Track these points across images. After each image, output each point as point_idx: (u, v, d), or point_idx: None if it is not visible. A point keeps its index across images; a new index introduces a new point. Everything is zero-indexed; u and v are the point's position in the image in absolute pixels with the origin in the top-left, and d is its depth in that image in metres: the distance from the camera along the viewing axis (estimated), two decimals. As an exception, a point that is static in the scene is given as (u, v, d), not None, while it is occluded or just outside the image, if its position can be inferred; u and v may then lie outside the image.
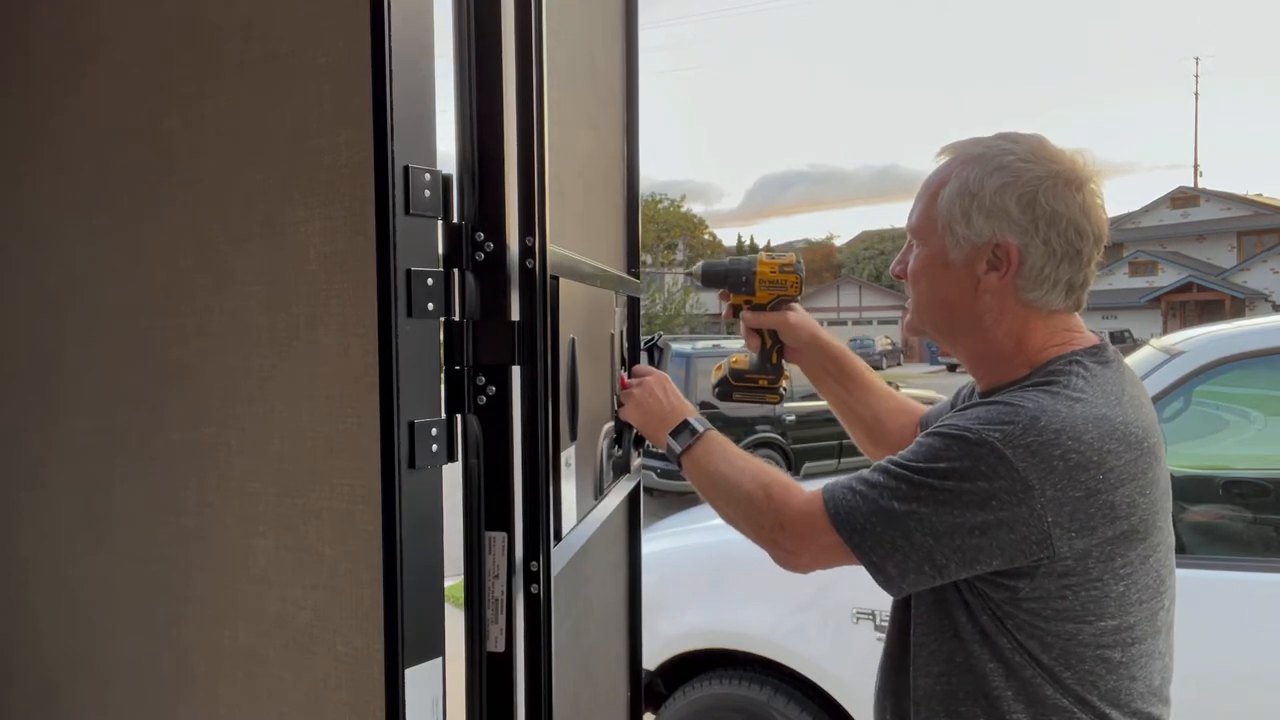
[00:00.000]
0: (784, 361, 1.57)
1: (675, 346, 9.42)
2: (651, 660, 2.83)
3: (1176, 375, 2.47)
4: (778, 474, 1.24)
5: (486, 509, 0.99)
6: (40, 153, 1.14)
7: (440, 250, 0.94)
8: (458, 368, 0.97)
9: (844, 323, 48.47)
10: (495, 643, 0.99)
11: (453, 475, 0.96)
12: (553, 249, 1.03)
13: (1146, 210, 38.66)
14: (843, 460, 9.83)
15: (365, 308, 0.85)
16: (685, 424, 1.35)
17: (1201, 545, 2.52)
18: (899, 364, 38.81)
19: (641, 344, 1.72)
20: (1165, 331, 22.73)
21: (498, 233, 0.97)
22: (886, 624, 1.27)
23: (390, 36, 0.82)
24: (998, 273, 1.13)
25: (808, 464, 9.85)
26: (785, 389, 1.57)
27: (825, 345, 1.55)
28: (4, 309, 1.19)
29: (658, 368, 1.58)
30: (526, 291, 0.98)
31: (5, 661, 1.22)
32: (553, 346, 1.05)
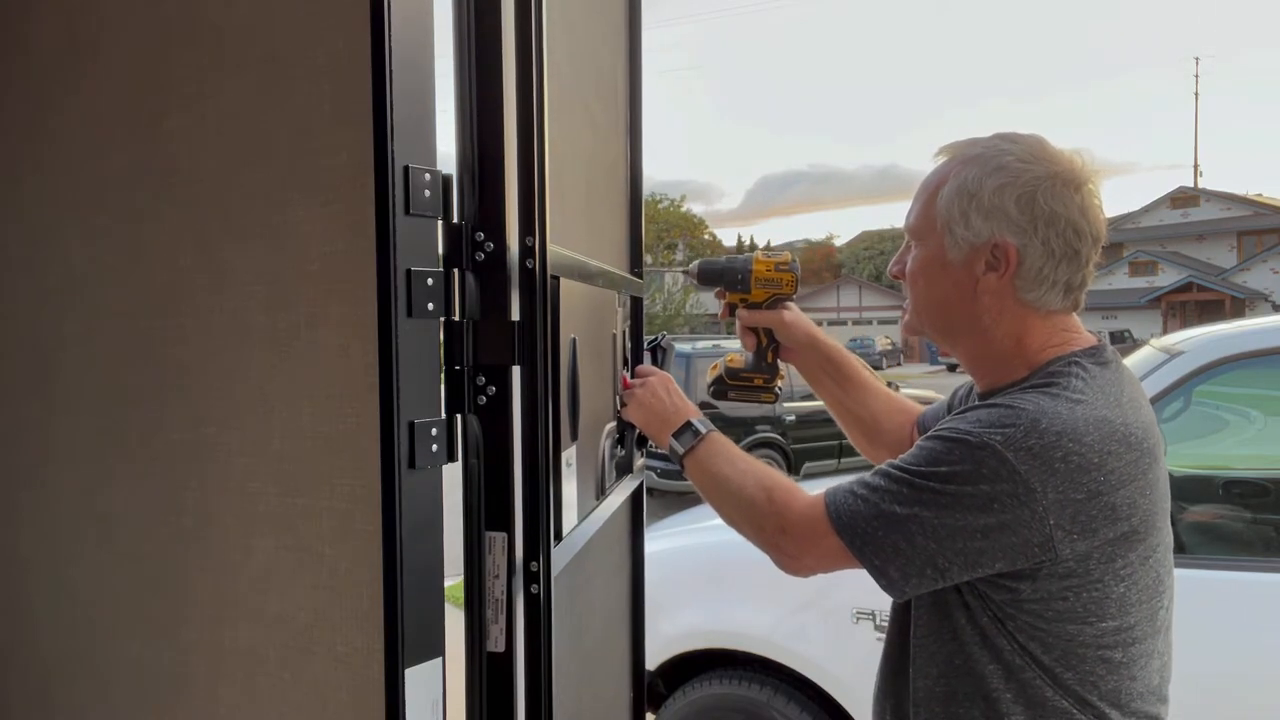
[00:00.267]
0: (780, 361, 1.56)
1: (676, 346, 9.42)
2: (651, 660, 2.83)
3: (1176, 375, 2.47)
4: (780, 477, 1.24)
5: (486, 509, 0.99)
6: (40, 153, 1.14)
7: (440, 250, 0.94)
8: (458, 368, 0.97)
9: (844, 323, 48.48)
10: (495, 643, 0.99)
11: (453, 475, 0.96)
12: (553, 249, 1.03)
13: (1146, 210, 38.66)
14: (843, 460, 9.83)
15: (365, 308, 0.85)
16: (688, 425, 1.35)
17: (1201, 545, 2.52)
18: (899, 364, 38.81)
19: (645, 344, 1.72)
20: (1165, 331, 22.74)
21: (498, 233, 0.97)
22: (886, 624, 1.27)
23: (390, 36, 0.82)
24: (996, 273, 1.13)
25: (808, 464, 9.85)
26: (781, 388, 1.57)
27: (821, 344, 1.55)
28: (4, 309, 1.19)
29: (661, 368, 1.58)
30: (526, 291, 0.98)
31: (5, 661, 1.22)
32: (553, 346, 1.05)
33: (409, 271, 0.85)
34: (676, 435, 1.35)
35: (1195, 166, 45.47)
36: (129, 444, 1.07)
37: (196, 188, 0.99)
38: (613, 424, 1.49)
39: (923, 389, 11.82)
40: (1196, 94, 48.37)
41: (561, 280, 1.11)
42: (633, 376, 1.51)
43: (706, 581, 2.92)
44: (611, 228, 1.62)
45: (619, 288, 1.57)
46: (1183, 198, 38.30)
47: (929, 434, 1.11)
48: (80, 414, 1.12)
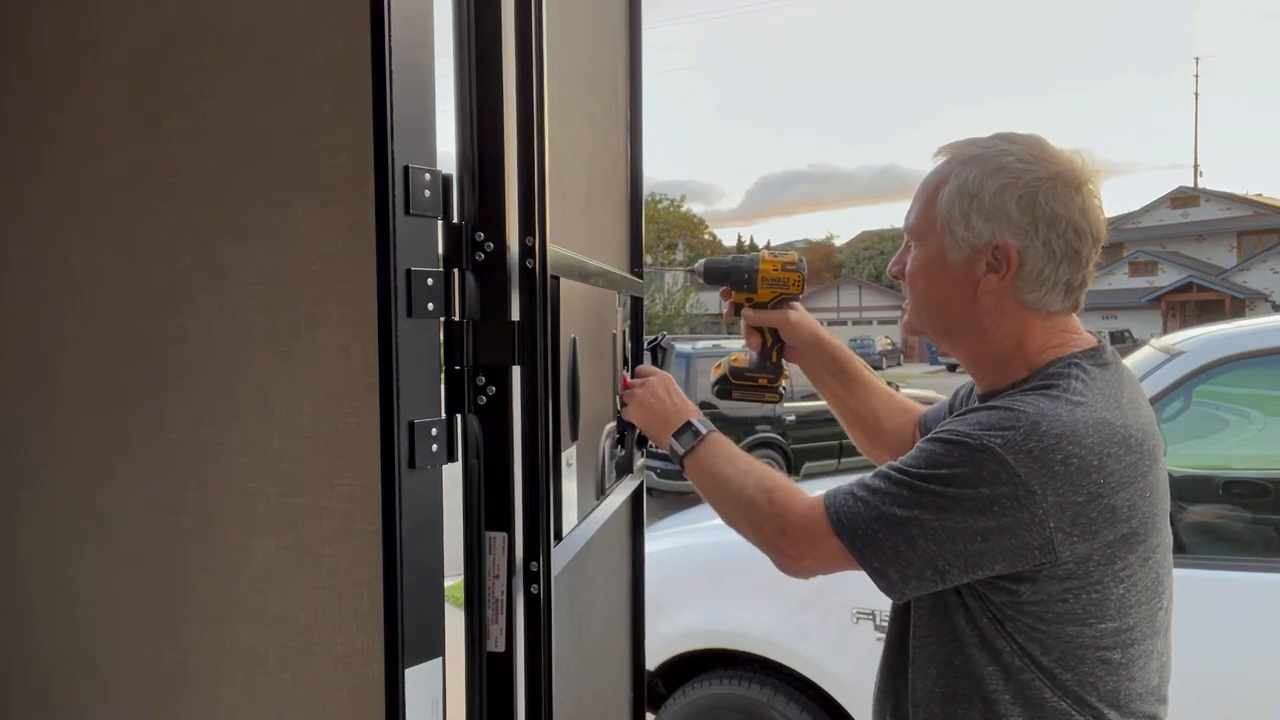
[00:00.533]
0: (784, 361, 1.56)
1: (676, 346, 9.42)
2: (651, 660, 2.83)
3: (1176, 375, 2.47)
4: (780, 479, 1.24)
5: (486, 509, 0.99)
6: (40, 153, 1.14)
7: (440, 250, 0.94)
8: (458, 368, 0.97)
9: (844, 323, 48.48)
10: (495, 643, 0.99)
11: (453, 475, 0.96)
12: (553, 249, 1.03)
13: (1146, 210, 38.66)
14: (843, 460, 9.83)
15: (365, 308, 0.85)
16: (688, 425, 1.35)
17: (1201, 545, 2.52)
18: (899, 364, 38.82)
19: (645, 344, 1.72)
20: (1165, 331, 22.73)
21: (498, 233, 0.97)
22: (886, 624, 1.27)
23: (390, 36, 0.82)
24: (997, 274, 1.13)
25: (808, 464, 9.85)
26: (785, 388, 1.57)
27: (825, 344, 1.55)
28: (4, 309, 1.19)
29: (661, 368, 1.58)
30: (526, 291, 0.98)
31: (5, 661, 1.22)
32: (553, 346, 1.05)
33: (409, 271, 0.85)
34: (677, 435, 1.35)
35: (1195, 166, 45.52)
36: (129, 444, 1.07)
37: (196, 188, 0.99)
38: (613, 424, 1.49)
39: (923, 389, 11.82)
40: (1196, 94, 48.43)
41: (561, 280, 1.11)
42: (633, 376, 1.51)
43: (706, 581, 2.92)
44: (612, 228, 1.62)
45: (619, 287, 1.57)
46: (1183, 198, 38.31)
47: (929, 436, 1.10)
48: (80, 414, 1.12)
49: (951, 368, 30.54)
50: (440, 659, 0.88)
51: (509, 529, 0.99)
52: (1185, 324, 27.94)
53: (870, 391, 1.57)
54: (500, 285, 0.98)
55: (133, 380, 1.06)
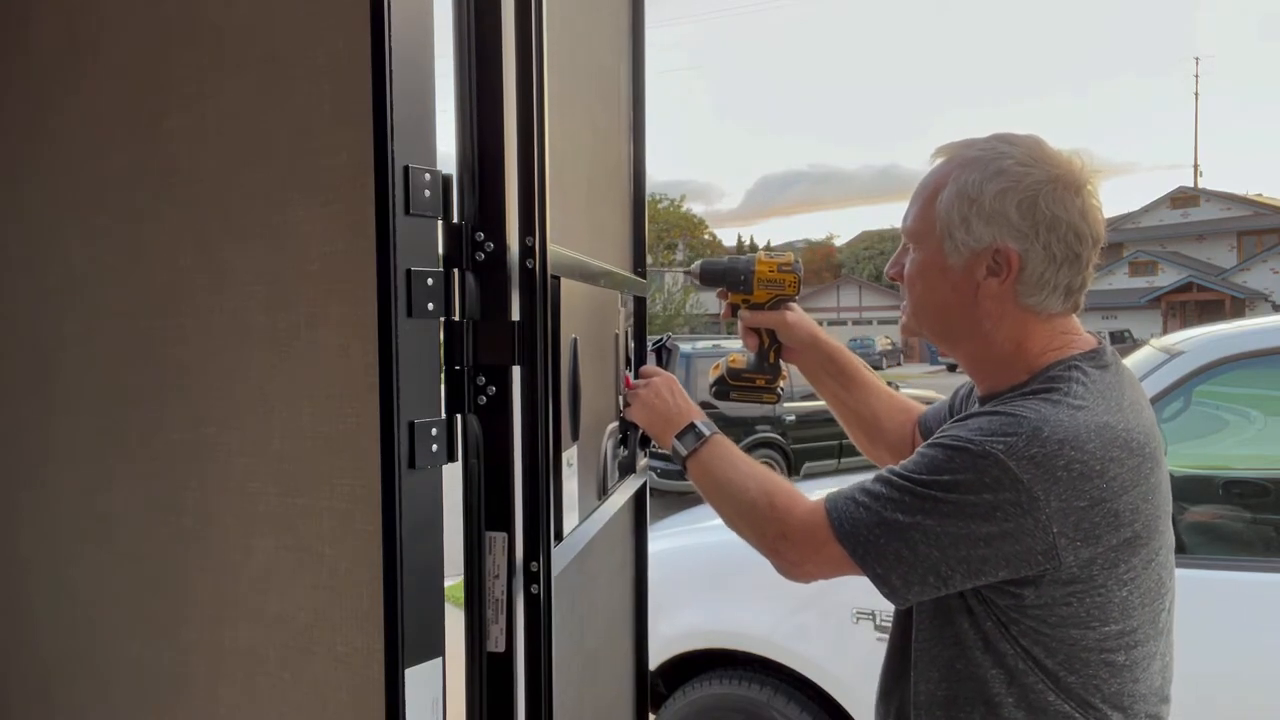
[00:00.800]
0: (782, 361, 1.56)
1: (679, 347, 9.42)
2: (651, 660, 2.82)
3: (1176, 375, 2.47)
4: (783, 483, 1.23)
5: (486, 509, 0.99)
6: (40, 153, 1.14)
7: (440, 250, 0.94)
8: (458, 368, 0.97)
9: (844, 323, 48.49)
10: (495, 643, 0.99)
11: (453, 475, 0.96)
12: (554, 249, 1.03)
13: (1146, 210, 38.66)
14: (843, 460, 9.83)
15: (365, 308, 0.85)
16: (691, 426, 1.34)
17: (1201, 545, 2.52)
18: (899, 364, 38.81)
19: (650, 345, 1.72)
20: (1165, 331, 22.73)
21: (498, 233, 0.97)
22: (886, 624, 1.27)
23: (390, 36, 0.82)
24: (997, 278, 1.13)
25: (808, 464, 9.85)
26: (783, 389, 1.57)
27: (823, 345, 1.55)
28: (4, 309, 1.19)
29: (665, 368, 1.58)
30: (526, 291, 0.98)
31: (5, 661, 1.22)
32: (553, 346, 1.05)
33: (409, 271, 0.85)
34: (679, 437, 1.35)
35: (1195, 166, 45.52)
36: (129, 444, 1.07)
37: (196, 188, 0.99)
38: (615, 424, 1.49)
39: (923, 389, 11.82)
40: (1196, 94, 48.42)
41: (562, 280, 1.11)
42: (637, 377, 1.51)
43: (706, 581, 2.92)
44: (614, 227, 1.62)
45: (622, 288, 1.57)
46: (1183, 198, 38.30)
47: (930, 441, 1.10)
48: (80, 414, 1.12)
49: (951, 368, 30.53)
50: (440, 659, 0.88)
51: (509, 529, 0.99)
52: (1185, 324, 27.94)
53: (869, 391, 1.57)
54: (500, 285, 0.98)
55: (133, 380, 1.06)
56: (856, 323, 48.89)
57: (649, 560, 1.87)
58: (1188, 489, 2.58)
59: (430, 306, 0.88)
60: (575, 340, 1.22)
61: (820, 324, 1.59)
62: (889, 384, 1.70)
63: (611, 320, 1.49)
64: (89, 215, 1.09)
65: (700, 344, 10.30)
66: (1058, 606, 1.05)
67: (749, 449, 9.16)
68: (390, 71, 0.82)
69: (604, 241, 1.51)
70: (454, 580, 1.07)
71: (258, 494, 0.95)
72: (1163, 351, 2.65)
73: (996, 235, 1.11)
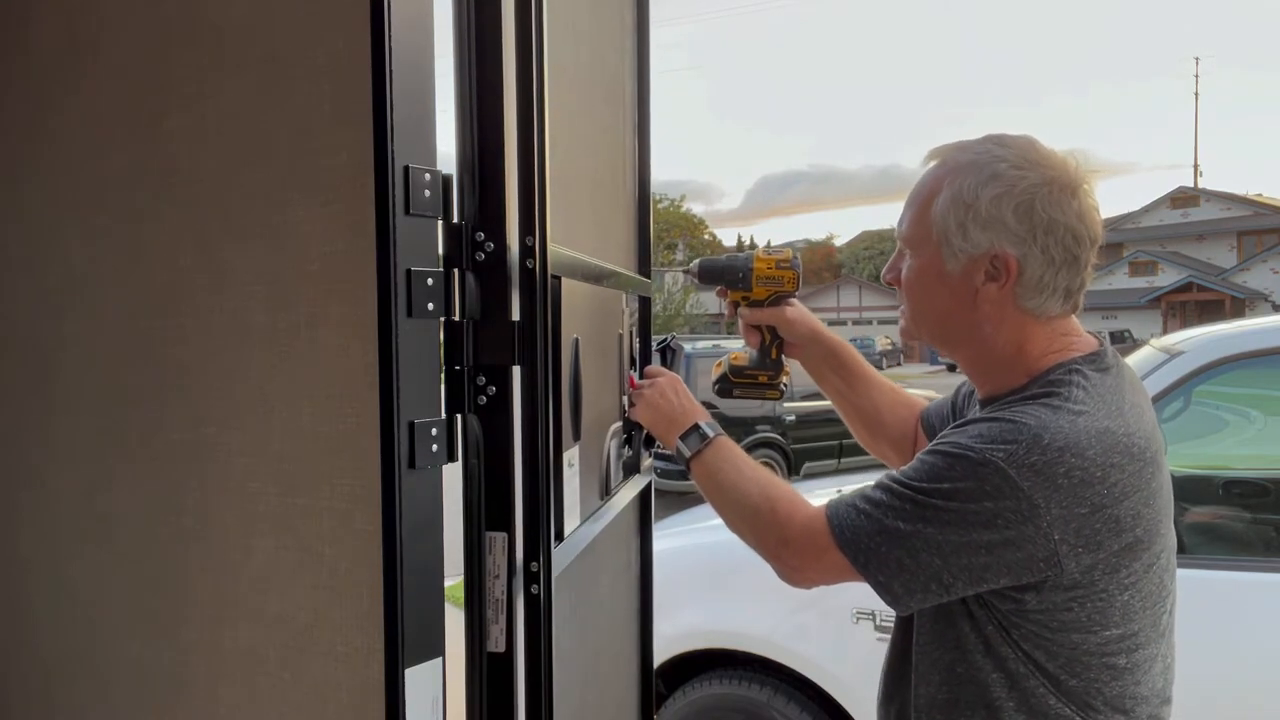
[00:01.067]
0: (784, 357, 1.56)
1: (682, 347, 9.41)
2: (652, 660, 2.83)
3: (1176, 375, 2.47)
4: (785, 488, 1.23)
5: (487, 509, 0.99)
6: (40, 153, 1.14)
7: (440, 250, 0.94)
8: (458, 368, 0.97)
9: (844, 323, 48.47)
10: (496, 643, 0.99)
11: (453, 475, 0.96)
12: (555, 249, 1.03)
13: (1146, 210, 38.66)
14: (843, 460, 9.83)
15: (365, 308, 0.85)
16: (695, 428, 1.34)
17: (1201, 545, 2.52)
18: (899, 364, 38.80)
19: (654, 345, 1.72)
20: (1165, 331, 22.73)
21: (498, 233, 0.97)
22: (886, 624, 1.27)
23: (390, 36, 0.82)
24: (996, 283, 1.12)
25: (808, 464, 9.85)
26: (785, 385, 1.57)
27: (824, 340, 1.55)
28: (4, 309, 1.19)
29: (669, 369, 1.58)
30: (527, 291, 0.98)
31: (5, 661, 1.22)
32: (554, 347, 1.05)
33: (409, 271, 0.85)
34: (683, 437, 1.35)
35: (1195, 166, 45.50)
36: (129, 444, 1.07)
37: (196, 188, 0.99)
38: (619, 424, 1.49)
39: (923, 389, 11.81)
40: (1196, 94, 48.34)
41: (564, 280, 1.11)
42: (641, 377, 1.50)
43: (706, 581, 2.92)
44: (618, 228, 1.62)
45: (626, 288, 1.56)
46: (1183, 198, 38.30)
47: (930, 448, 1.09)
48: (80, 414, 1.12)
49: (951, 368, 30.51)
50: (440, 659, 0.88)
51: (509, 529, 0.99)
52: (1185, 324, 27.93)
53: (871, 385, 1.56)
54: (500, 285, 0.98)
55: (133, 380, 1.06)
56: (856, 323, 48.89)
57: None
58: (1188, 489, 2.57)
59: (430, 306, 0.88)
60: (577, 340, 1.22)
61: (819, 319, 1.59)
62: None
63: (615, 320, 1.49)
64: (89, 215, 1.09)
65: (700, 344, 10.29)
66: (1059, 611, 1.05)
67: (749, 449, 9.15)
68: (390, 71, 0.82)
69: (608, 242, 1.51)
70: (454, 580, 1.07)
71: (258, 494, 0.95)
72: (1163, 351, 2.65)
73: (994, 241, 1.10)
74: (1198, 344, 2.57)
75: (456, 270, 0.96)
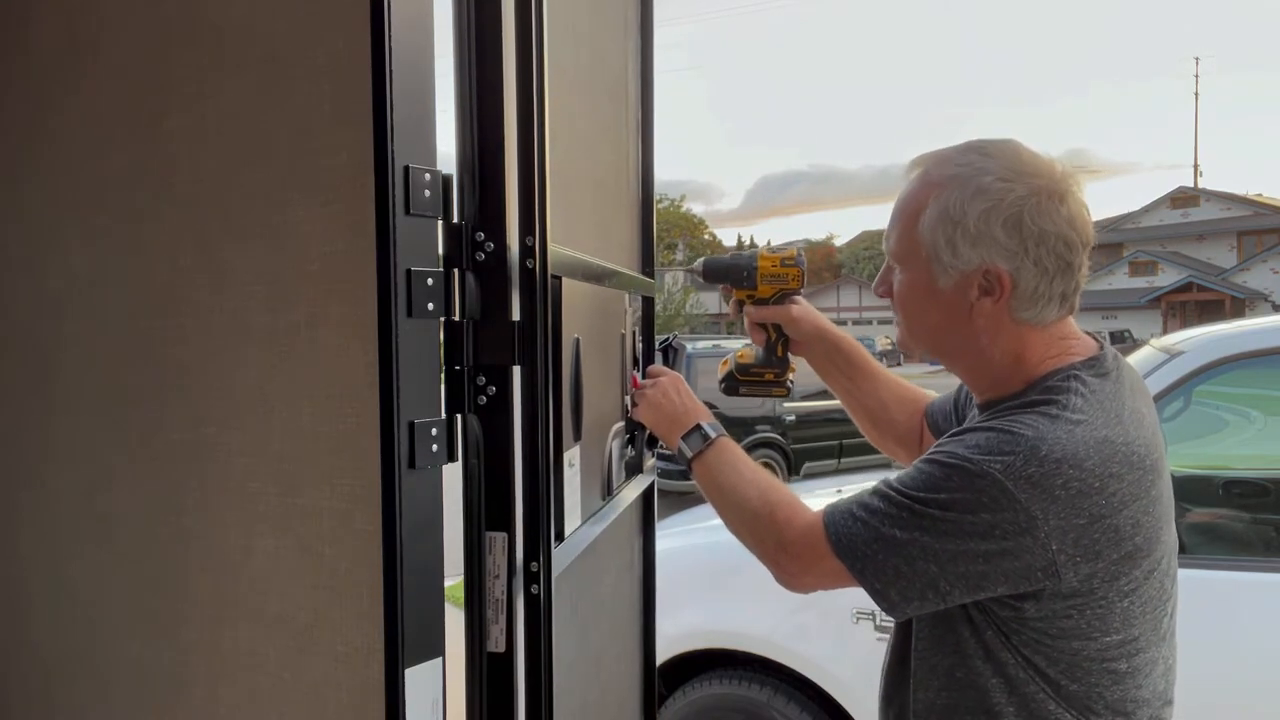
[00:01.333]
0: (790, 355, 1.56)
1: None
2: (651, 660, 2.83)
3: (1176, 375, 2.47)
4: (785, 493, 1.22)
5: (487, 509, 0.99)
6: (40, 153, 1.14)
7: (440, 250, 0.94)
8: (458, 368, 0.97)
9: (844, 323, 48.43)
10: (496, 643, 0.99)
11: (453, 475, 0.96)
12: (556, 249, 1.03)
13: (1146, 210, 38.66)
14: (843, 460, 9.83)
15: (365, 308, 0.85)
16: (697, 428, 1.34)
17: (1201, 545, 2.52)
18: (899, 364, 38.76)
19: (657, 344, 1.72)
20: (1165, 331, 22.72)
21: (498, 233, 0.97)
22: (886, 624, 1.27)
23: (390, 36, 0.82)
24: (991, 298, 1.11)
25: (808, 464, 9.85)
26: (791, 382, 1.57)
27: (830, 336, 1.54)
28: (4, 309, 1.19)
29: (672, 368, 1.57)
30: (527, 291, 0.98)
31: (5, 661, 1.22)
32: (554, 347, 1.05)
33: (409, 271, 0.85)
34: (685, 438, 1.35)
35: (1195, 166, 45.49)
36: (129, 444, 1.07)
37: (196, 188, 0.99)
38: (621, 424, 1.49)
39: (923, 389, 11.81)
40: (1196, 94, 48.32)
41: (565, 280, 1.11)
42: (644, 377, 1.50)
43: (706, 581, 2.92)
44: (621, 228, 1.62)
45: (628, 288, 1.56)
46: (1183, 198, 38.30)
47: (928, 456, 1.09)
48: (80, 414, 1.12)
49: (951, 368, 30.43)
50: (440, 659, 0.88)
51: (509, 529, 0.99)
52: (1185, 324, 27.92)
53: (878, 382, 1.55)
54: (500, 285, 0.98)
55: (133, 380, 1.06)
56: (856, 323, 48.89)
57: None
58: (1188, 489, 2.57)
59: (430, 306, 0.88)
60: (578, 340, 1.22)
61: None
62: None
63: (617, 320, 1.49)
64: (89, 215, 1.09)
65: (700, 344, 10.29)
66: (1058, 619, 1.05)
67: (749, 449, 9.15)
68: (390, 71, 0.82)
69: (610, 242, 1.51)
70: (454, 580, 1.07)
71: (258, 494, 0.95)
72: (1163, 351, 2.65)
73: (985, 256, 1.09)
74: (1198, 344, 2.57)
75: (456, 270, 0.96)
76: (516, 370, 0.98)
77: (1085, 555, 1.02)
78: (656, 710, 1.88)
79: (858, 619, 2.53)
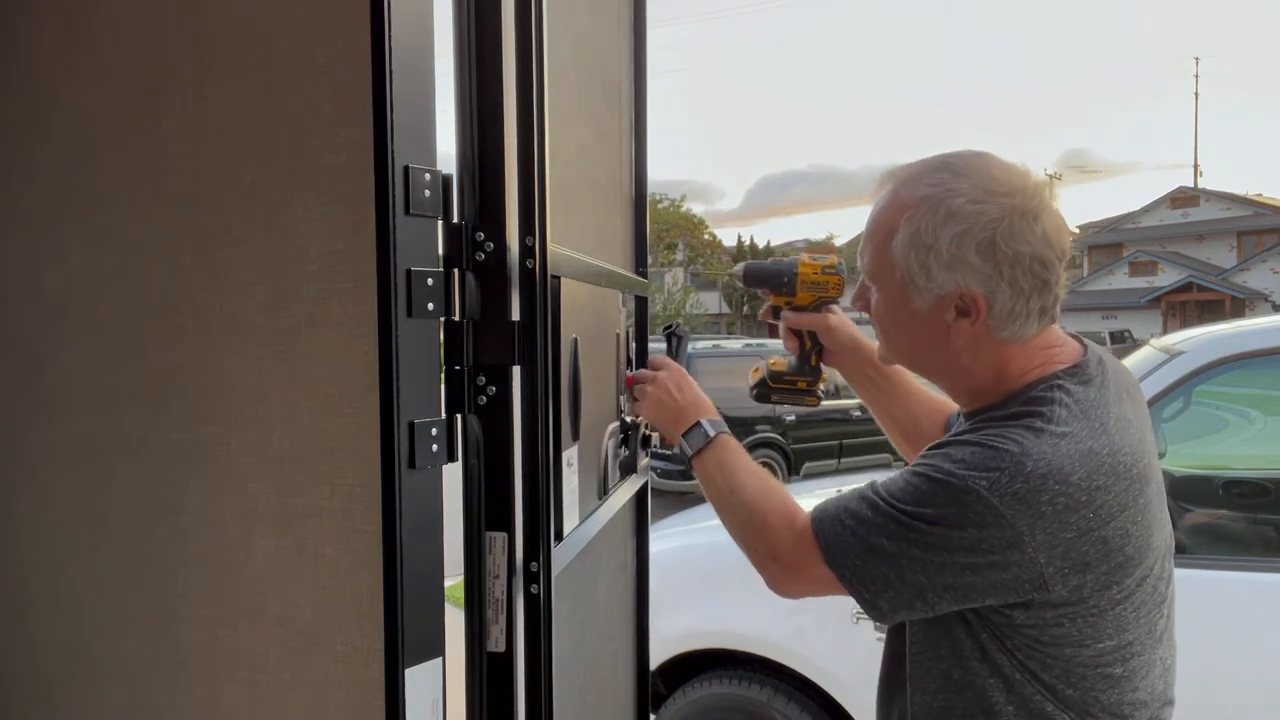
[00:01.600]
0: (822, 365, 1.56)
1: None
2: (651, 660, 2.82)
3: (1176, 375, 2.47)
4: (777, 499, 1.21)
5: (487, 509, 0.99)
6: (40, 153, 1.14)
7: (440, 250, 0.94)
8: (458, 368, 0.97)
9: (844, 323, 48.29)
10: (496, 643, 0.99)
11: (453, 475, 0.96)
12: (555, 249, 1.03)
13: (1146, 210, 38.65)
14: (843, 460, 9.83)
15: (365, 308, 0.85)
16: (697, 425, 1.34)
17: (1201, 545, 2.52)
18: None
19: (661, 331, 1.72)
20: (1165, 331, 22.72)
21: (498, 233, 0.97)
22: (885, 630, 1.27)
23: (390, 36, 0.82)
24: (968, 319, 1.10)
25: (808, 464, 9.85)
26: (823, 391, 1.57)
27: (865, 348, 1.52)
28: (3, 309, 1.19)
29: (675, 356, 1.58)
30: (526, 291, 0.98)
31: (5, 661, 1.22)
32: (554, 346, 1.05)
33: (409, 271, 0.85)
34: (686, 435, 1.35)
35: (1195, 166, 45.46)
36: (129, 444, 1.07)
37: (196, 188, 0.99)
38: (616, 423, 1.49)
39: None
40: (1196, 94, 48.32)
41: (564, 280, 1.11)
42: (646, 369, 1.50)
43: (706, 581, 2.92)
44: (616, 228, 1.62)
45: (623, 288, 1.57)
46: (1183, 198, 38.28)
47: (913, 468, 1.08)
48: (80, 414, 1.12)
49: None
50: (440, 659, 0.88)
51: (509, 529, 0.99)
52: (1185, 324, 27.92)
53: (909, 395, 1.54)
54: (500, 285, 0.98)
55: (133, 380, 1.06)
56: (857, 323, 48.80)
57: (649, 561, 1.87)
58: (1188, 489, 2.58)
59: (430, 306, 0.88)
60: (576, 340, 1.22)
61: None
62: None
63: (613, 320, 1.49)
64: (89, 215, 1.09)
65: (701, 344, 10.29)
66: (1049, 627, 1.04)
67: (749, 448, 9.13)
68: (390, 71, 0.82)
69: (606, 242, 1.51)
70: (454, 580, 1.07)
71: (258, 494, 0.95)
72: (1163, 351, 2.66)
73: (959, 280, 1.08)
74: (1198, 344, 2.57)
75: (456, 270, 0.96)
76: (516, 370, 0.99)
77: (1074, 568, 1.01)
78: (649, 711, 1.88)
79: (857, 619, 2.53)
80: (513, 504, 0.99)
